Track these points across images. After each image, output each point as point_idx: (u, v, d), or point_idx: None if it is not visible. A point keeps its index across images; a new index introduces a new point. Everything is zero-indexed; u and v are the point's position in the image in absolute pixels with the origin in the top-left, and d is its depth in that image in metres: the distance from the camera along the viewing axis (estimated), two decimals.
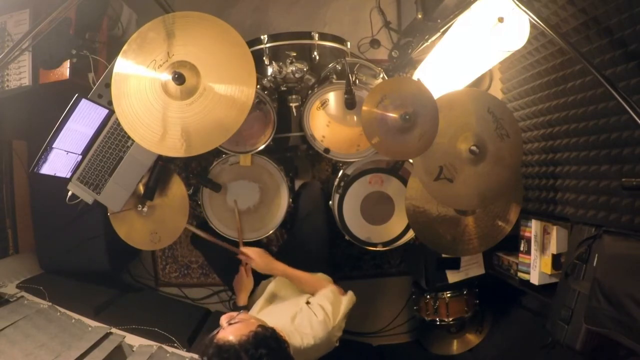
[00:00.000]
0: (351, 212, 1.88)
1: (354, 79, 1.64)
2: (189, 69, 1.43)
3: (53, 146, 1.62)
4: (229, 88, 1.44)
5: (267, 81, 1.73)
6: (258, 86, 1.63)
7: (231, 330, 1.19)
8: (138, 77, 1.44)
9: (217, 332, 1.20)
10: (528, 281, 1.91)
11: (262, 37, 1.79)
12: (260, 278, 1.81)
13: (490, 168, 1.52)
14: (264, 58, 1.78)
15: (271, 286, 1.73)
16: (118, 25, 2.16)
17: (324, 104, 1.74)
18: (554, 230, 1.80)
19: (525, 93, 2.10)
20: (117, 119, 1.60)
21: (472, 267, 2.17)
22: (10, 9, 1.78)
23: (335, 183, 1.88)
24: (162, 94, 1.44)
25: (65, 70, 1.82)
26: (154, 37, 1.45)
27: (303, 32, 1.84)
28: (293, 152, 2.06)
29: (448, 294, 2.19)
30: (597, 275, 1.46)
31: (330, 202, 1.93)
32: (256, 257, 1.68)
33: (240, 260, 1.75)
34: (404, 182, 1.84)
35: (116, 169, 1.70)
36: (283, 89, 1.79)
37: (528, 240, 1.91)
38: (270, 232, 1.86)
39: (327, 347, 1.45)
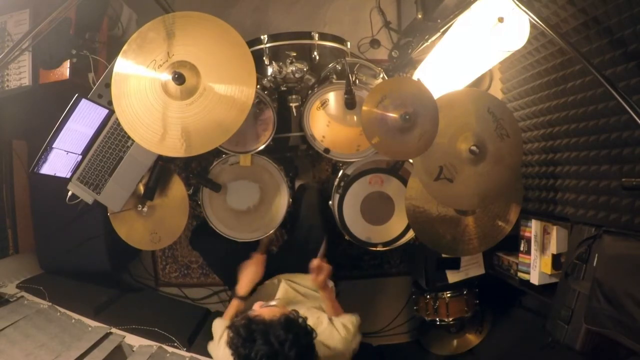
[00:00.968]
0: (351, 212, 1.88)
1: (354, 79, 1.64)
2: (189, 69, 1.43)
3: (53, 146, 1.62)
4: (229, 88, 1.44)
5: (267, 81, 1.73)
6: (258, 86, 1.63)
7: (266, 310, 1.29)
8: (138, 77, 1.44)
9: (252, 311, 1.28)
10: (528, 281, 1.91)
11: (262, 37, 1.79)
12: (264, 277, 1.79)
13: (490, 168, 1.52)
14: (264, 58, 1.78)
15: (284, 293, 1.72)
16: (118, 25, 2.16)
17: (324, 104, 1.73)
18: (554, 230, 1.80)
19: (525, 93, 2.09)
20: (117, 119, 1.60)
21: (472, 267, 2.17)
22: (10, 9, 1.77)
23: (335, 183, 1.87)
24: (162, 94, 1.44)
25: (65, 70, 1.81)
26: (154, 37, 1.45)
27: (303, 32, 1.83)
28: (293, 152, 2.06)
29: (448, 294, 2.19)
30: (597, 275, 1.46)
31: (330, 202, 1.92)
32: (327, 273, 1.65)
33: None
34: (404, 182, 1.83)
35: (116, 169, 1.70)
36: (283, 89, 1.78)
37: (528, 240, 1.91)
38: (271, 232, 1.86)
39: None
